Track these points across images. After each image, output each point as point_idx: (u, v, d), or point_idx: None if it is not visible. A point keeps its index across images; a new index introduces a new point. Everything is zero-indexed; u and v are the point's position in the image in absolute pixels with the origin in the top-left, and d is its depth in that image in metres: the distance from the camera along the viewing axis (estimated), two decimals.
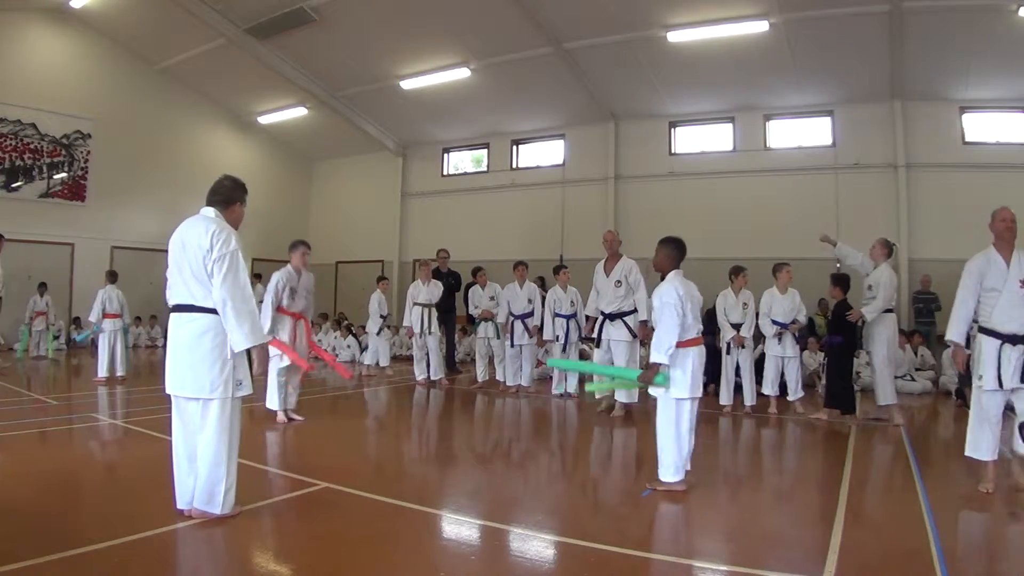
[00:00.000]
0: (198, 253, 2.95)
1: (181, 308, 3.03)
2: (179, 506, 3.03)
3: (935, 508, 3.47)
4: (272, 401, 5.72)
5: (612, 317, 6.42)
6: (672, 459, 3.76)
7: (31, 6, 11.69)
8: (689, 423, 3.81)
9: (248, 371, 3.12)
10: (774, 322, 6.85)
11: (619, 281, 6.44)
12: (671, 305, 3.72)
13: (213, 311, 2.98)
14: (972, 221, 9.48)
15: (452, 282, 9.38)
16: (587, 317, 7.19)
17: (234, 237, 3.03)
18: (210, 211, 3.12)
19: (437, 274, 9.05)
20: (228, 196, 3.19)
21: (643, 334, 6.37)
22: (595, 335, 6.62)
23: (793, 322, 6.80)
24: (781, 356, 6.83)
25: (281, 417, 5.69)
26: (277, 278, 5.74)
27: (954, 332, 4.00)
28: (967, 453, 3.85)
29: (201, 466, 2.97)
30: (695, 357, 3.79)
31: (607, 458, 5.25)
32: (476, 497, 3.84)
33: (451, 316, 9.43)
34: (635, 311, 6.38)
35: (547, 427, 6.26)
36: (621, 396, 6.42)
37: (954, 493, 4.05)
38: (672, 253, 3.97)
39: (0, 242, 8.51)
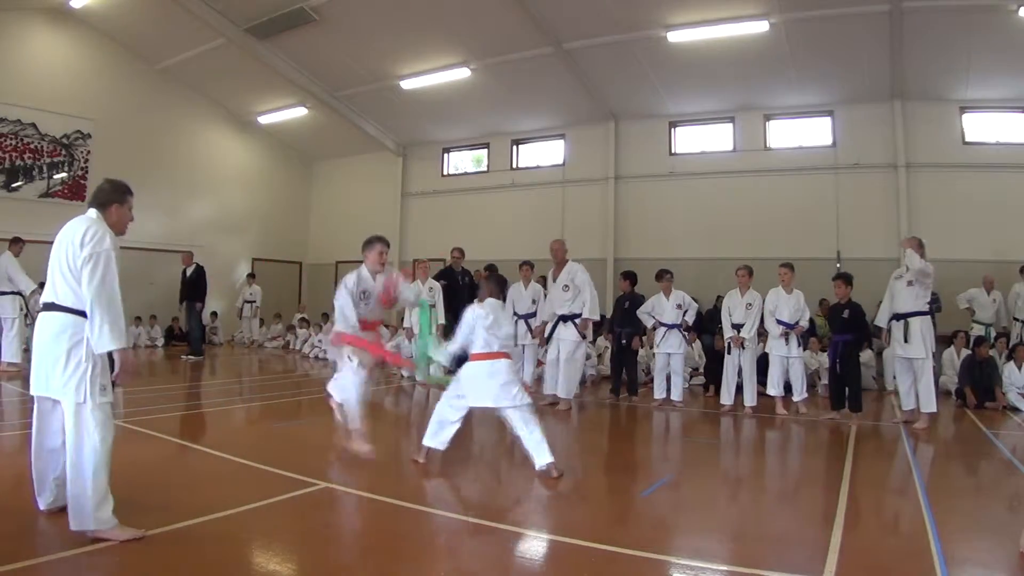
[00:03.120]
0: (69, 250, 2.87)
1: (46, 306, 2.93)
2: (40, 507, 2.99)
3: (935, 508, 3.47)
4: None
5: (565, 319, 6.94)
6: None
7: (31, 6, 11.68)
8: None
9: (109, 377, 2.96)
10: (779, 322, 6.86)
11: (566, 286, 6.92)
12: (468, 323, 4.34)
13: (71, 310, 2.87)
14: (972, 221, 9.62)
15: (467, 280, 9.31)
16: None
17: (108, 237, 2.93)
18: (92, 212, 3.04)
19: (451, 273, 8.97)
20: (104, 198, 3.08)
21: (583, 327, 6.99)
22: (547, 334, 7.17)
23: (796, 324, 6.82)
24: (786, 356, 6.85)
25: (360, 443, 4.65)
26: (350, 282, 4.73)
27: None
28: None
29: (69, 476, 2.79)
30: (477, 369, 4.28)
31: (606, 458, 5.25)
32: (476, 497, 3.84)
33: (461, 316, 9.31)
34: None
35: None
36: (561, 392, 6.89)
37: (955, 493, 4.05)
38: (492, 288, 4.57)
39: (21, 245, 8.59)
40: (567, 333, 6.93)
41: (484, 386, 4.24)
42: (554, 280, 7.10)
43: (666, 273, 7.45)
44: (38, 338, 2.93)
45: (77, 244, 2.85)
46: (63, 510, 2.86)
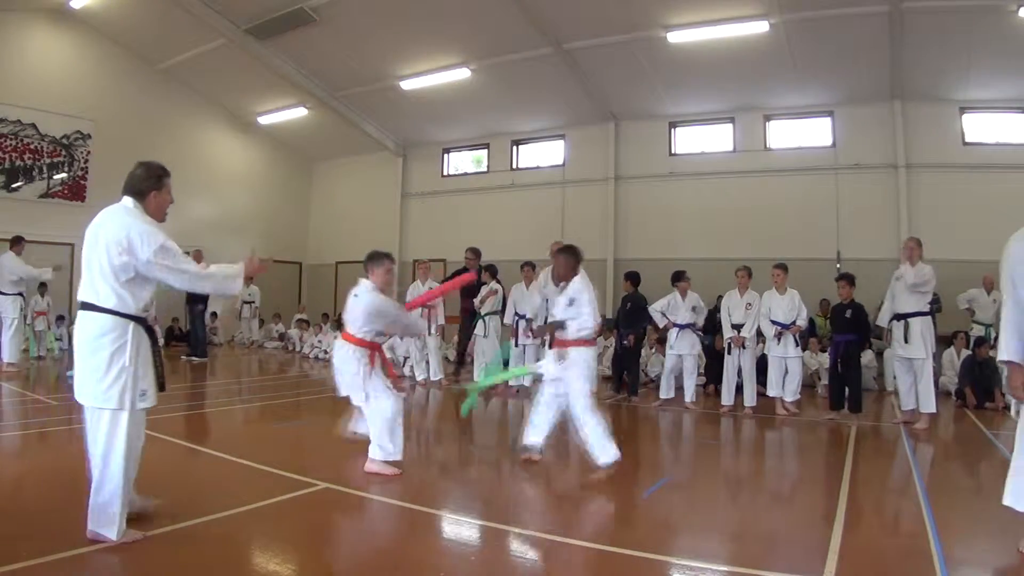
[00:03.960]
0: (112, 249, 2.70)
1: (84, 306, 2.77)
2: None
3: (935, 508, 3.47)
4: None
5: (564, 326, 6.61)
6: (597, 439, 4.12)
7: (31, 6, 11.68)
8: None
9: (154, 381, 2.83)
10: (774, 322, 6.87)
11: (572, 300, 6.59)
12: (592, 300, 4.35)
13: (113, 312, 2.72)
14: (972, 221, 9.61)
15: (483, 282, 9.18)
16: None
17: (155, 231, 2.78)
18: (128, 201, 2.87)
19: (465, 271, 8.88)
20: (140, 186, 2.90)
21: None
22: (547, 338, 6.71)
23: (793, 324, 6.82)
24: (783, 357, 6.85)
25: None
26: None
27: (1012, 348, 2.87)
28: (1006, 502, 2.88)
29: (94, 481, 2.69)
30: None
31: None
32: (476, 497, 3.84)
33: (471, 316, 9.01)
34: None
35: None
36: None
37: (955, 493, 4.05)
38: (571, 260, 4.47)
39: (22, 244, 8.63)
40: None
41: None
42: (556, 284, 6.90)
43: (684, 274, 7.40)
44: (77, 340, 2.78)
45: (123, 247, 2.69)
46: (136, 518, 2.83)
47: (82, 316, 2.77)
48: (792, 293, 6.93)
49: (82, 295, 2.79)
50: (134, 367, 2.71)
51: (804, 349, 7.91)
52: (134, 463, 2.76)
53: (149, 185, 2.92)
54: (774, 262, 7.25)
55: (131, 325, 2.75)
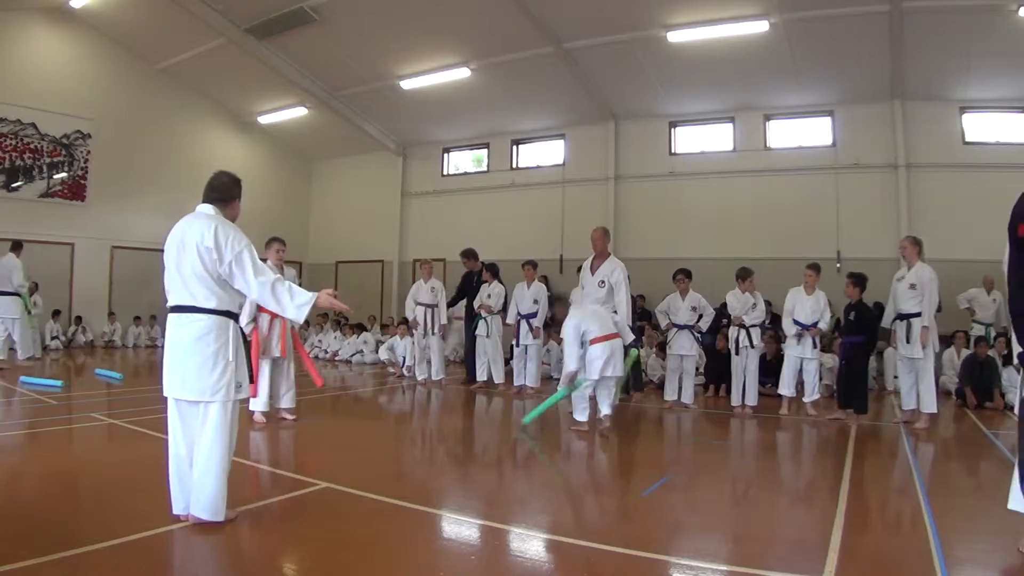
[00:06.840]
0: (202, 253, 2.87)
1: (181, 309, 2.93)
2: (175, 511, 2.94)
3: (935, 508, 3.47)
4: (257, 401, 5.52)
5: None
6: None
7: (31, 6, 11.68)
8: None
9: (247, 373, 3.05)
10: (795, 322, 6.79)
11: (602, 281, 6.41)
12: (569, 340, 5.57)
13: (214, 312, 2.91)
14: (972, 221, 9.61)
15: (478, 281, 9.14)
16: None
17: (241, 234, 2.97)
18: (209, 208, 3.04)
19: (469, 275, 8.88)
20: (227, 193, 3.12)
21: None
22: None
23: (814, 325, 6.73)
24: (800, 357, 6.79)
25: (259, 417, 5.58)
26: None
27: None
28: (1011, 507, 2.88)
29: (200, 471, 2.87)
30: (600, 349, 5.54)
31: (606, 459, 5.24)
32: (476, 497, 3.84)
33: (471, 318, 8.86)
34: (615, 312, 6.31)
35: (547, 428, 6.25)
36: (604, 407, 6.17)
37: (955, 493, 4.05)
38: (563, 308, 5.90)
39: (21, 248, 8.64)
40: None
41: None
42: (592, 272, 6.56)
43: (679, 273, 7.40)
44: (176, 340, 2.93)
45: (211, 248, 2.86)
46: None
47: (179, 318, 2.94)
48: (819, 294, 6.80)
49: (176, 300, 2.96)
50: (235, 362, 2.94)
51: (825, 351, 7.72)
52: (232, 449, 2.99)
53: (235, 193, 3.16)
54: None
55: (231, 323, 2.97)
